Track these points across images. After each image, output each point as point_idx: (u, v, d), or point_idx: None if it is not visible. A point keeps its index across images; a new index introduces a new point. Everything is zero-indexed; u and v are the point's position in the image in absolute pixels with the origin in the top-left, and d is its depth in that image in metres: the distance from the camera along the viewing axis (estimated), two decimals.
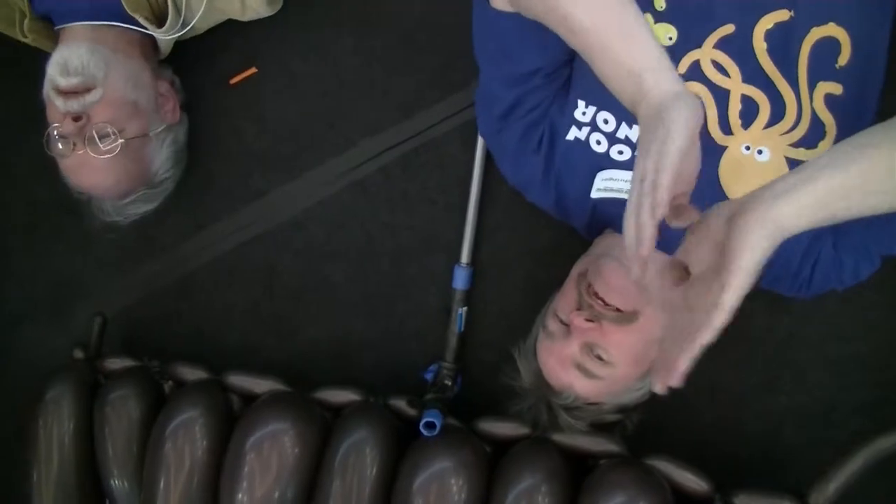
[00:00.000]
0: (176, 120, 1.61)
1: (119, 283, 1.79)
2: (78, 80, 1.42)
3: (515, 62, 1.26)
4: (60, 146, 1.46)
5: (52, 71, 1.44)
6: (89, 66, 1.43)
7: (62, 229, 1.80)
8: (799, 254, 1.24)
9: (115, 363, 1.67)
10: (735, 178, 1.21)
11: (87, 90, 1.43)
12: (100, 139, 1.45)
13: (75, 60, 1.43)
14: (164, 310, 1.78)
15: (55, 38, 1.55)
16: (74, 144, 1.45)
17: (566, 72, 1.30)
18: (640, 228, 0.84)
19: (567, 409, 1.32)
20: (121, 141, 1.47)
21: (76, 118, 1.43)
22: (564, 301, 1.28)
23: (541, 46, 1.22)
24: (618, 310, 1.22)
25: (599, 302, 1.22)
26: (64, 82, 1.42)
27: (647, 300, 1.22)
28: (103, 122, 1.45)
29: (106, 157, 1.46)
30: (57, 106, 1.44)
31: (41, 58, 1.54)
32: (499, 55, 1.27)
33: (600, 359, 1.24)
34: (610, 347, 1.23)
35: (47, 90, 1.45)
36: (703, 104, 0.95)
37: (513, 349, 1.41)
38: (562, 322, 1.28)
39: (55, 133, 1.46)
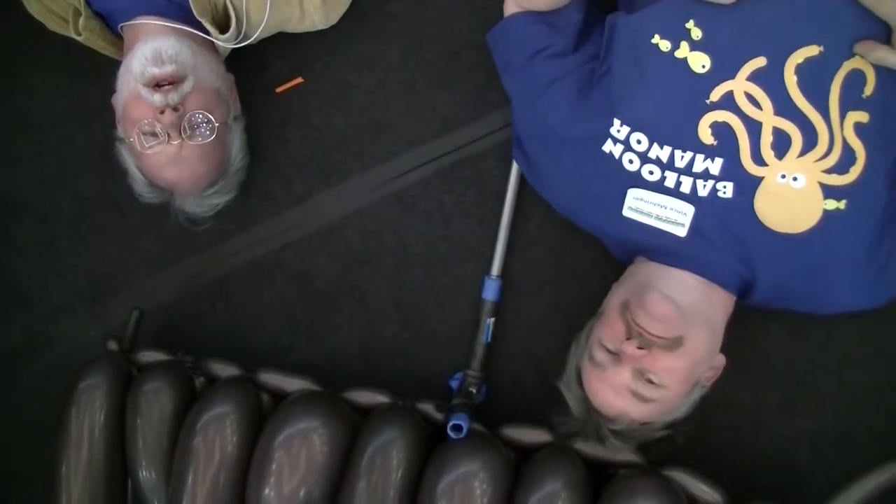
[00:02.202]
0: (240, 110, 1.64)
1: (157, 279, 1.83)
2: (173, 67, 1.43)
3: (526, 47, 1.45)
4: (154, 141, 1.47)
5: (142, 64, 1.43)
6: (181, 55, 1.44)
7: (106, 224, 1.84)
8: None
9: (149, 356, 1.70)
10: (771, 206, 1.27)
11: (181, 79, 1.44)
12: (196, 127, 1.48)
13: (169, 49, 1.44)
14: (198, 307, 1.82)
15: (109, 38, 1.59)
16: (169, 136, 1.46)
17: (576, 59, 1.42)
18: None
19: (616, 433, 1.36)
20: (217, 125, 1.49)
21: (175, 108, 1.44)
22: (610, 331, 1.32)
23: (544, 31, 1.43)
24: (664, 337, 1.26)
25: (647, 332, 1.26)
26: (159, 71, 1.42)
27: (690, 324, 1.28)
28: (197, 110, 1.47)
29: (202, 143, 1.49)
30: (153, 101, 1.43)
31: (91, 56, 1.61)
32: (513, 53, 1.47)
33: (651, 382, 1.28)
34: (660, 372, 1.28)
35: (133, 89, 1.45)
36: None
37: (556, 381, 1.45)
38: (609, 351, 1.32)
39: (147, 129, 1.46)
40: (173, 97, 1.44)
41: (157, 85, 1.43)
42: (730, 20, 1.22)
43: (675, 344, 1.26)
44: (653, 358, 1.27)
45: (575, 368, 1.40)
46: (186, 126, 1.47)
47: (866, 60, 1.22)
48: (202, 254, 1.81)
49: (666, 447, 1.42)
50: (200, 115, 1.48)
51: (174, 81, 1.44)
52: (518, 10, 1.47)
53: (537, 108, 1.43)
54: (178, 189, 1.58)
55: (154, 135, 1.46)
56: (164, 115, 1.44)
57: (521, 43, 1.45)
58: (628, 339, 1.28)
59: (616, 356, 1.30)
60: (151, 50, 1.44)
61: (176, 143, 1.47)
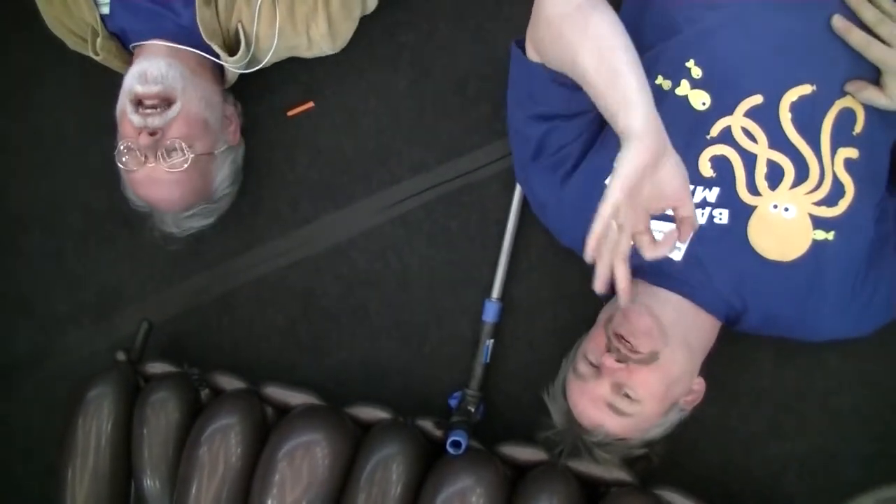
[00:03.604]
0: (236, 142, 1.68)
1: (164, 293, 1.87)
2: (158, 87, 1.47)
3: (539, 103, 1.41)
4: (131, 159, 1.51)
5: (131, 81, 1.48)
6: (167, 77, 1.49)
7: (114, 238, 1.88)
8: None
9: (156, 368, 1.74)
10: (763, 234, 1.33)
11: (166, 101, 1.48)
12: (171, 154, 1.50)
13: (155, 71, 1.48)
14: (204, 322, 1.86)
15: (126, 58, 1.63)
16: (146, 157, 1.50)
17: (587, 119, 1.42)
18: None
19: (597, 446, 1.41)
20: (191, 156, 1.52)
21: (152, 133, 1.48)
22: (594, 344, 1.38)
23: (561, 93, 1.36)
24: (641, 352, 1.32)
25: (626, 345, 1.32)
26: (142, 89, 1.46)
27: (668, 341, 1.33)
28: (176, 137, 1.50)
29: (175, 171, 1.52)
30: (133, 122, 1.47)
31: (104, 74, 1.65)
32: (525, 98, 1.43)
33: (628, 397, 1.33)
34: (637, 386, 1.33)
35: (122, 105, 1.50)
36: (663, 138, 1.09)
37: (542, 392, 1.50)
38: (591, 364, 1.37)
39: (126, 147, 1.50)
40: (153, 121, 1.48)
41: (140, 103, 1.48)
42: (728, 60, 1.29)
43: (650, 358, 1.31)
44: (629, 372, 1.32)
45: (562, 382, 1.46)
46: (163, 151, 1.50)
47: (857, 100, 1.28)
48: (210, 270, 1.85)
49: (643, 466, 1.48)
50: (177, 143, 1.51)
51: (161, 101, 1.48)
52: (536, 58, 1.39)
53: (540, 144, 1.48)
54: (154, 207, 1.62)
55: (130, 152, 1.51)
56: (141, 136, 1.48)
57: (540, 96, 1.41)
58: (608, 352, 1.33)
59: (597, 369, 1.35)
60: (139, 69, 1.49)
61: (150, 165, 1.51)
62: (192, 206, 1.63)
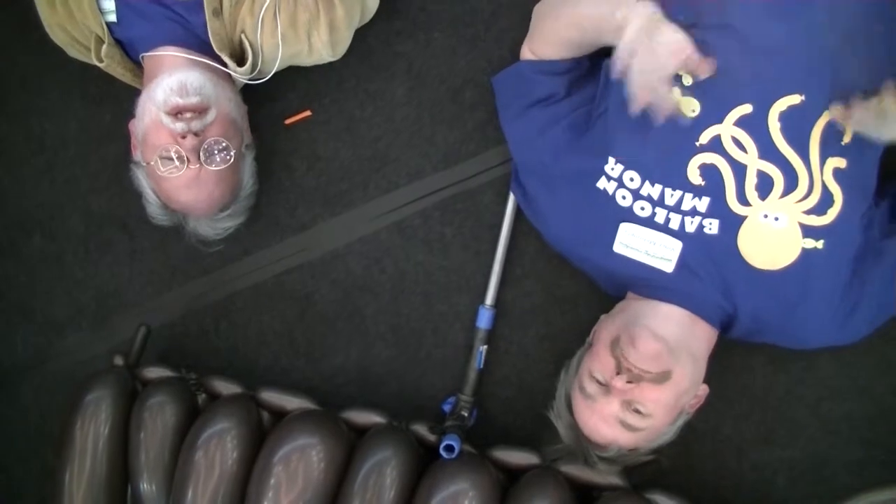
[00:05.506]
0: (251, 139, 1.69)
1: (163, 298, 1.88)
2: (197, 98, 1.49)
3: (527, 94, 1.54)
4: (173, 165, 1.51)
5: (166, 93, 1.49)
6: (205, 88, 1.50)
7: (113, 243, 1.89)
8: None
9: (154, 372, 1.75)
10: (753, 244, 1.34)
11: (204, 109, 1.50)
12: (213, 154, 1.52)
13: (195, 82, 1.49)
14: (202, 327, 1.87)
15: (129, 65, 1.64)
16: (188, 160, 1.51)
17: (572, 103, 1.51)
18: None
19: (604, 459, 1.41)
20: (234, 151, 1.54)
21: (196, 134, 1.49)
22: (601, 364, 1.36)
23: (546, 80, 1.52)
24: (652, 372, 1.32)
25: (637, 368, 1.31)
26: (182, 101, 1.48)
27: (677, 358, 1.33)
28: (217, 137, 1.52)
29: (220, 168, 1.54)
30: (175, 129, 1.48)
31: (105, 81, 1.67)
32: (514, 99, 1.57)
33: (638, 412, 1.33)
34: (647, 403, 1.33)
35: (154, 116, 1.50)
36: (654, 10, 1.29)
37: (545, 410, 1.50)
38: (599, 382, 1.36)
39: (166, 154, 1.50)
40: (196, 125, 1.49)
41: (178, 113, 1.49)
42: (718, 69, 1.30)
43: (662, 377, 1.31)
44: (641, 390, 1.32)
45: (565, 396, 1.45)
46: (206, 151, 1.52)
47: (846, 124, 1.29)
48: (208, 275, 1.86)
49: (651, 470, 1.48)
50: (220, 142, 1.53)
51: (197, 112, 1.50)
52: (531, 56, 1.54)
53: (535, 147, 1.51)
54: (191, 212, 1.63)
55: (173, 159, 1.51)
56: (186, 139, 1.49)
57: (524, 90, 1.53)
58: (618, 373, 1.33)
59: (605, 387, 1.35)
60: (177, 82, 1.49)
61: (195, 167, 1.52)
62: (228, 205, 1.65)
